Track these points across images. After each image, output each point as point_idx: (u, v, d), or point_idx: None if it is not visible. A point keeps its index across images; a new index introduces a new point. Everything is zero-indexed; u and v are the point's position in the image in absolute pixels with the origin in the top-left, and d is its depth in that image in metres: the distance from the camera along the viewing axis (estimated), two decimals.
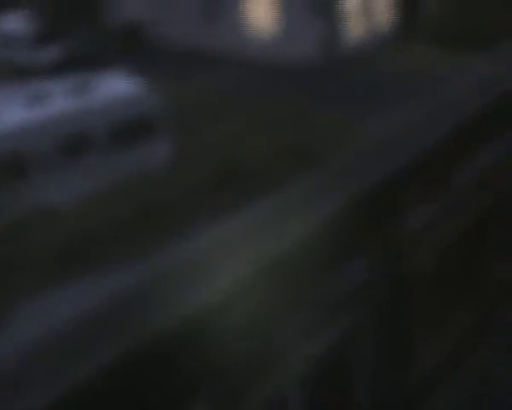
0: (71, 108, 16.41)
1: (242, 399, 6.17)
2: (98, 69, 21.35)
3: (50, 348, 5.17)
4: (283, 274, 7.05)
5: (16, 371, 4.89)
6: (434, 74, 22.22)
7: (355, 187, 11.40)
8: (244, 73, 24.01)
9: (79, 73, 21.81)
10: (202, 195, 14.15)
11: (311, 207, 9.03)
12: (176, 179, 15.15)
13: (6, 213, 14.18)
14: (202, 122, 18.30)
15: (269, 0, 27.10)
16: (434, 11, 28.65)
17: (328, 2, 26.10)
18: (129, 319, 5.49)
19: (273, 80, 23.01)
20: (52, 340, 5.15)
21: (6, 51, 24.29)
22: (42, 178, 15.35)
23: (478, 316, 13.30)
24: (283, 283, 7.02)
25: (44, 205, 14.55)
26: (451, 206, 13.57)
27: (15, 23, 24.99)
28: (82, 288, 11.43)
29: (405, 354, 10.46)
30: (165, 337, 5.40)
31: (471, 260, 13.45)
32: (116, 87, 17.44)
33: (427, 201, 12.71)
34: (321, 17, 25.96)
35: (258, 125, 18.03)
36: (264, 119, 18.62)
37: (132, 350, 5.05)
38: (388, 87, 21.38)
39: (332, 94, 21.12)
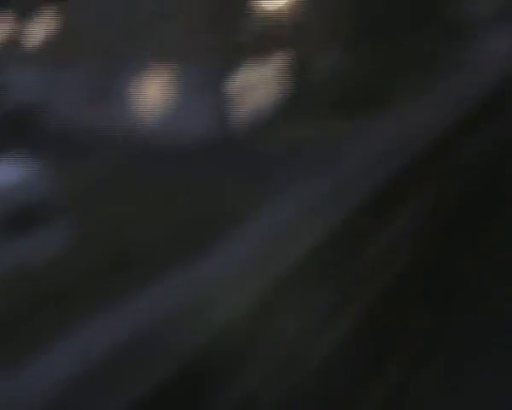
0: None
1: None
2: None
3: None
4: None
5: None
6: (330, 145, 22.69)
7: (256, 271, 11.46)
8: (137, 153, 24.01)
9: None
10: (98, 279, 14.00)
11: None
12: (71, 265, 14.96)
13: None
14: (96, 205, 18.16)
15: (159, 79, 27.38)
16: (325, 81, 29.47)
17: (220, 81, 26.56)
18: None
19: (166, 159, 23.05)
20: None
21: None
22: None
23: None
24: None
25: None
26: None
27: None
28: None
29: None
30: None
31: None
32: (6, 172, 17.11)
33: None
34: (212, 95, 26.33)
35: (153, 205, 17.98)
36: (158, 198, 18.59)
37: None
38: (284, 161, 21.65)
39: (226, 172, 21.25)
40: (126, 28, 27.99)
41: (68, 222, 16.89)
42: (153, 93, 27.77)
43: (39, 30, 29.90)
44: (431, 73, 31.68)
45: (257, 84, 28.71)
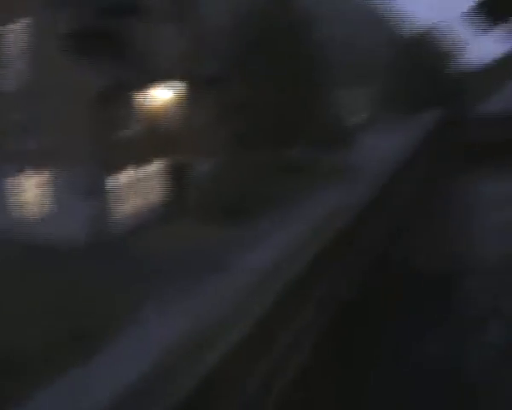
0: None
1: None
2: None
3: None
4: None
5: None
6: (209, 250, 22.64)
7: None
8: (11, 255, 23.28)
9: None
10: None
11: None
12: None
13: None
14: None
15: (37, 179, 26.90)
16: (203, 186, 29.70)
17: (99, 181, 26.29)
18: None
19: (44, 261, 22.41)
20: None
21: None
22: None
23: None
24: None
25: None
26: None
27: None
28: None
29: None
30: None
31: None
32: None
33: None
34: (92, 196, 26.02)
35: (29, 313, 17.25)
36: (33, 305, 17.86)
37: None
38: (163, 266, 21.37)
39: (105, 275, 20.71)
40: (4, 127, 27.62)
41: None
42: (31, 195, 27.26)
43: None
44: (309, 179, 32.55)
45: (137, 187, 28.61)
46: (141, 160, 28.81)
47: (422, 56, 65.57)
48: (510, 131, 55.23)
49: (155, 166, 29.87)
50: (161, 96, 30.68)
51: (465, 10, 33.14)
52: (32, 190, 27.26)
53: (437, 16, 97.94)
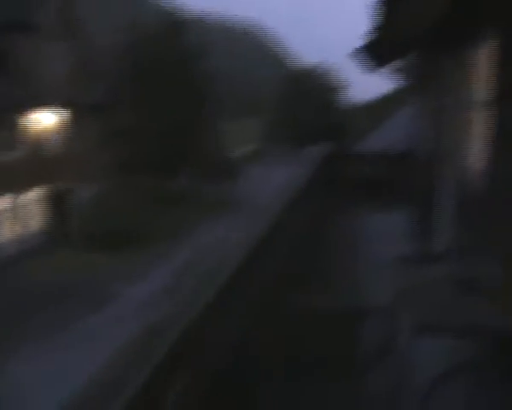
0: None
1: None
2: None
3: None
4: None
5: None
6: (92, 280, 22.10)
7: None
8: None
9: None
10: None
11: None
12: None
13: None
14: None
15: None
16: (85, 216, 29.02)
17: None
18: None
19: None
20: None
21: None
22: None
23: None
24: None
25: None
26: None
27: None
28: None
29: None
30: None
31: None
32: None
33: None
34: None
35: None
36: None
37: None
38: (41, 297, 20.50)
39: None
40: None
41: None
42: None
43: None
44: (194, 209, 32.36)
45: (16, 213, 27.61)
46: (21, 184, 27.87)
47: (309, 92, 66.79)
48: (390, 168, 56.56)
49: (36, 192, 28.95)
50: (44, 119, 29.77)
51: (351, 50, 33.90)
52: None
53: (324, 54, 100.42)
